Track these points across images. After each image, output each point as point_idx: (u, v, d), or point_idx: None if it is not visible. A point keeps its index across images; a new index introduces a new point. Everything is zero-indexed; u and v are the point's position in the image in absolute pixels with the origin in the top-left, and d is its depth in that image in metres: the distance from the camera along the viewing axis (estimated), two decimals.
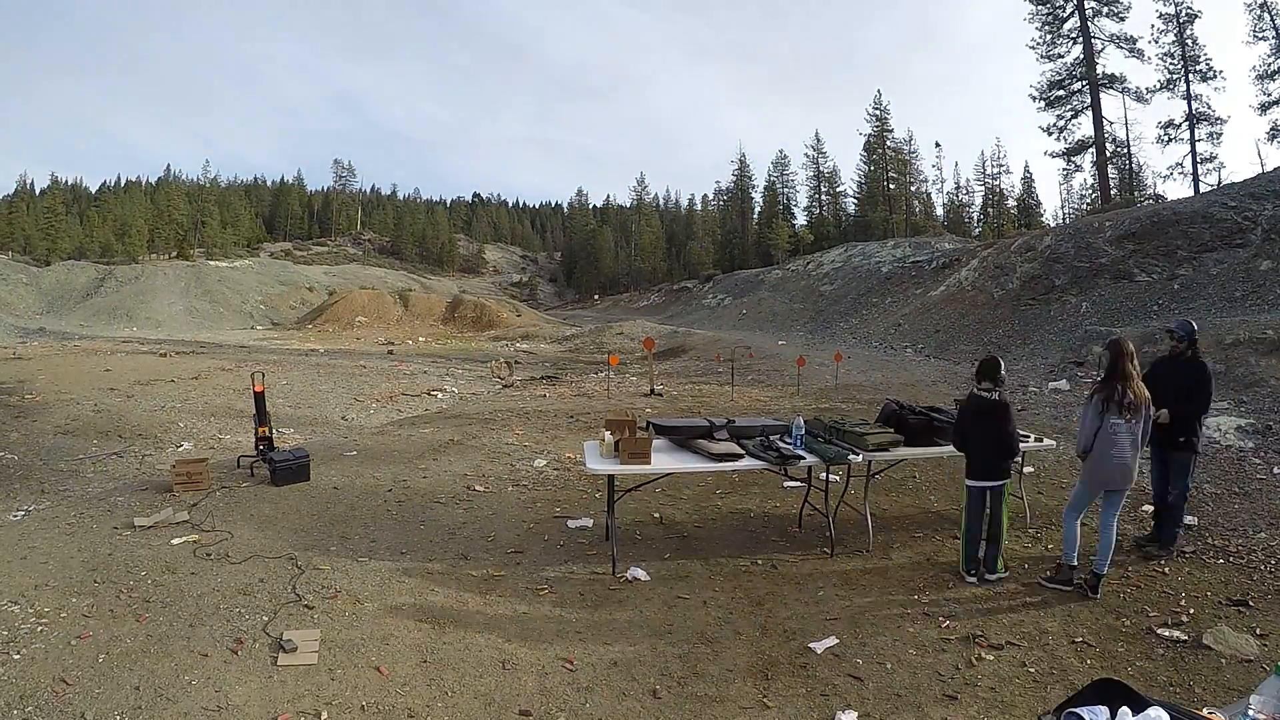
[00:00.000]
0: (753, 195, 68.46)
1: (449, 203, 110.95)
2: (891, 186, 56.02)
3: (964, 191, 62.43)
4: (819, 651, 3.63)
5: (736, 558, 4.94)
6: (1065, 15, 36.87)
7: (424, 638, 3.73)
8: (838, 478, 5.97)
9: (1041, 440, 5.76)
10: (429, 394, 14.65)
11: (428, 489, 6.64)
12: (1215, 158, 33.84)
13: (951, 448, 4.86)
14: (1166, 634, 3.77)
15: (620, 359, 19.73)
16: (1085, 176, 42.35)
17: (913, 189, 58.83)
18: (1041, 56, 37.85)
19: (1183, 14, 33.54)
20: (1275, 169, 21.39)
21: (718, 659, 3.58)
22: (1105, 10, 35.57)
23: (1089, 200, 43.19)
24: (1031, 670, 3.45)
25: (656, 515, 5.89)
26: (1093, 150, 37.55)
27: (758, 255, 59.35)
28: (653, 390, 14.36)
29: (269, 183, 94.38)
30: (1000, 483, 4.53)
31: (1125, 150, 39.12)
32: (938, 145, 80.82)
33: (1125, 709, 1.50)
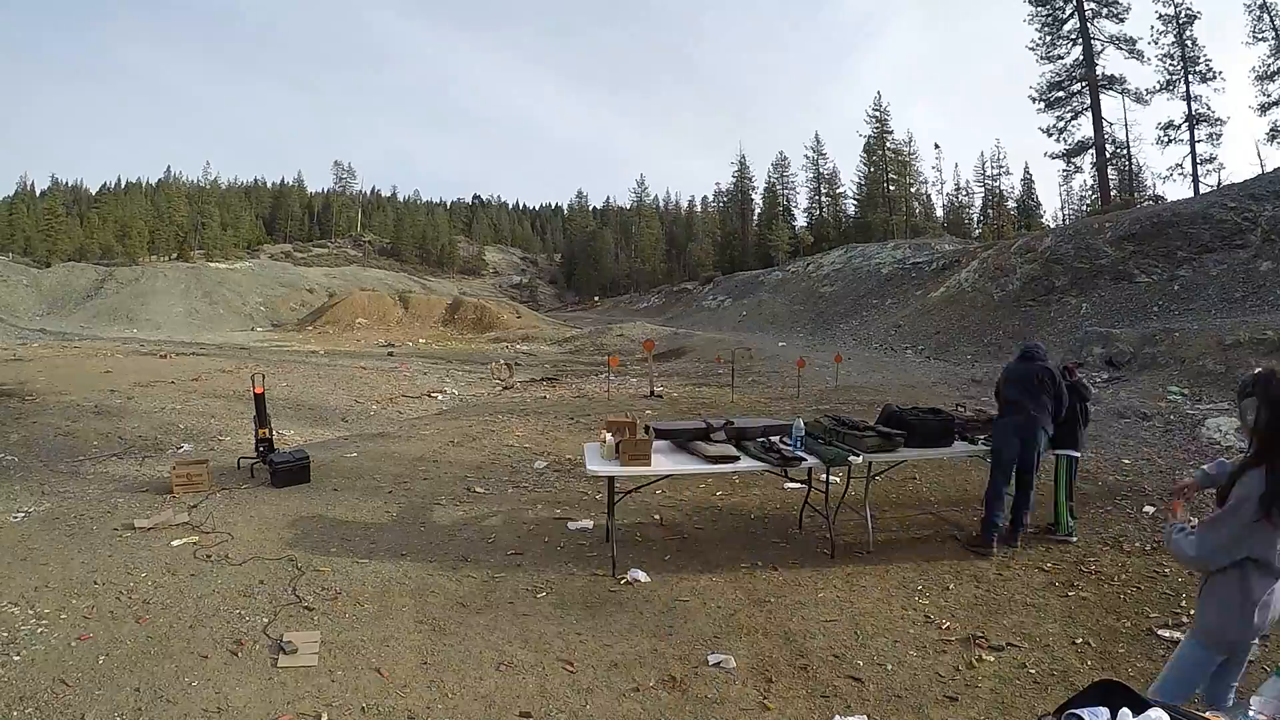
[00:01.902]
0: (753, 197, 68.52)
1: (449, 204, 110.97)
2: (891, 188, 56.07)
3: (964, 193, 62.49)
4: (819, 653, 3.63)
5: (737, 559, 4.94)
6: (1065, 16, 36.95)
7: (424, 639, 3.73)
8: (838, 479, 5.97)
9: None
10: (429, 395, 14.65)
11: (428, 490, 6.63)
12: (1215, 159, 33.98)
13: (950, 448, 5.20)
14: (1167, 635, 3.77)
15: (620, 360, 19.72)
16: (1085, 178, 42.43)
17: (912, 190, 58.88)
18: (1041, 58, 37.94)
19: (1182, 15, 33.63)
20: (1275, 170, 21.43)
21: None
22: (1105, 11, 35.66)
23: (1089, 201, 43.22)
24: (1032, 671, 3.45)
25: (657, 517, 5.89)
26: (1092, 151, 37.63)
27: (758, 257, 59.32)
28: (653, 392, 14.35)
29: (269, 184, 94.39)
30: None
31: (1125, 151, 39.21)
32: (937, 146, 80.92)
33: (1126, 710, 1.50)
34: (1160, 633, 3.80)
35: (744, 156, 72.79)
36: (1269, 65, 32.04)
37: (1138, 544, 5.14)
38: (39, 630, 3.69)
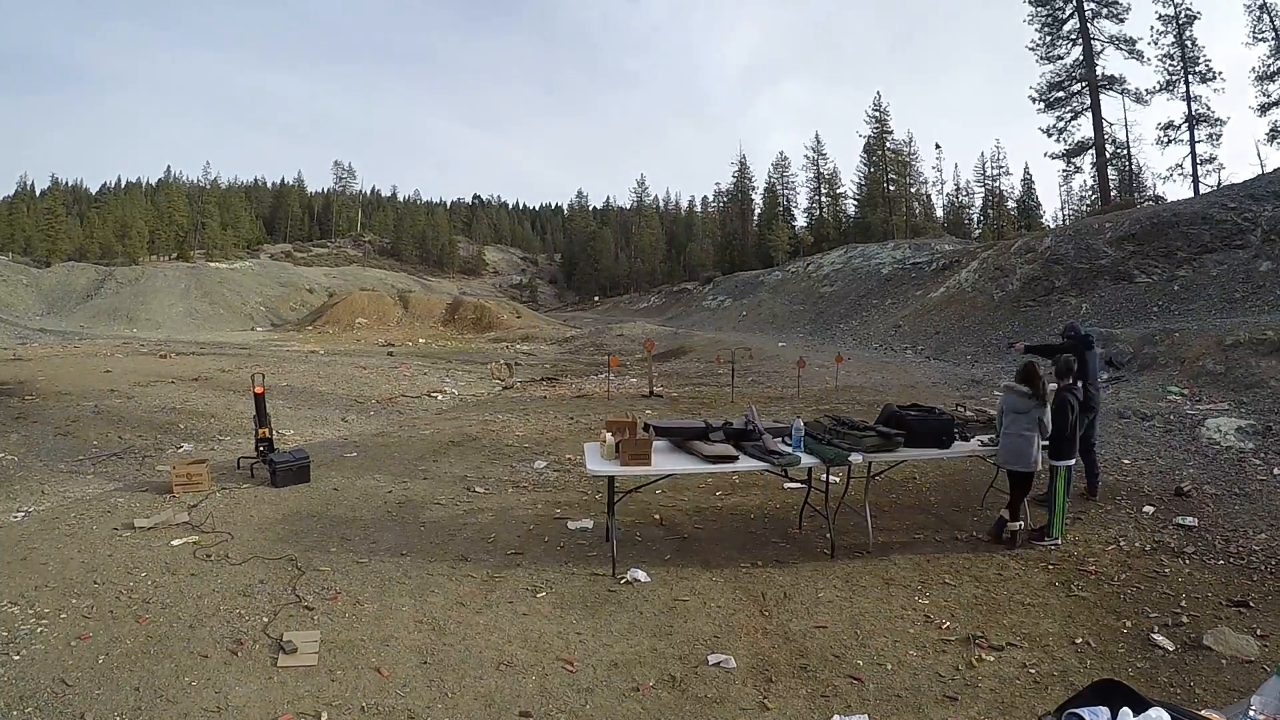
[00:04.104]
0: (753, 197, 68.52)
1: (449, 204, 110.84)
2: (891, 188, 56.04)
3: (964, 193, 62.40)
4: (819, 653, 3.63)
5: (737, 559, 4.94)
6: (1065, 16, 36.92)
7: (424, 639, 3.73)
8: (838, 479, 5.97)
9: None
10: (429, 395, 14.64)
11: (427, 490, 6.64)
12: (1215, 159, 33.98)
13: (950, 448, 5.17)
14: (1167, 635, 3.77)
15: (620, 360, 19.70)
16: (1085, 178, 42.40)
17: (912, 190, 58.87)
18: (1041, 58, 37.91)
19: (1182, 15, 33.61)
20: (1275, 170, 21.41)
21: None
22: (1105, 11, 35.62)
23: (1089, 201, 43.24)
24: (1032, 671, 3.45)
25: (657, 516, 5.89)
26: (1092, 151, 37.60)
27: (758, 257, 59.27)
28: (652, 392, 14.35)
29: (269, 184, 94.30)
30: None
31: (1125, 151, 39.18)
32: (938, 146, 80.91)
33: (1126, 710, 1.50)
34: (1159, 633, 3.80)
35: (744, 156, 72.85)
36: (1269, 65, 32.02)
37: (1138, 544, 5.14)
38: (39, 630, 3.69)
